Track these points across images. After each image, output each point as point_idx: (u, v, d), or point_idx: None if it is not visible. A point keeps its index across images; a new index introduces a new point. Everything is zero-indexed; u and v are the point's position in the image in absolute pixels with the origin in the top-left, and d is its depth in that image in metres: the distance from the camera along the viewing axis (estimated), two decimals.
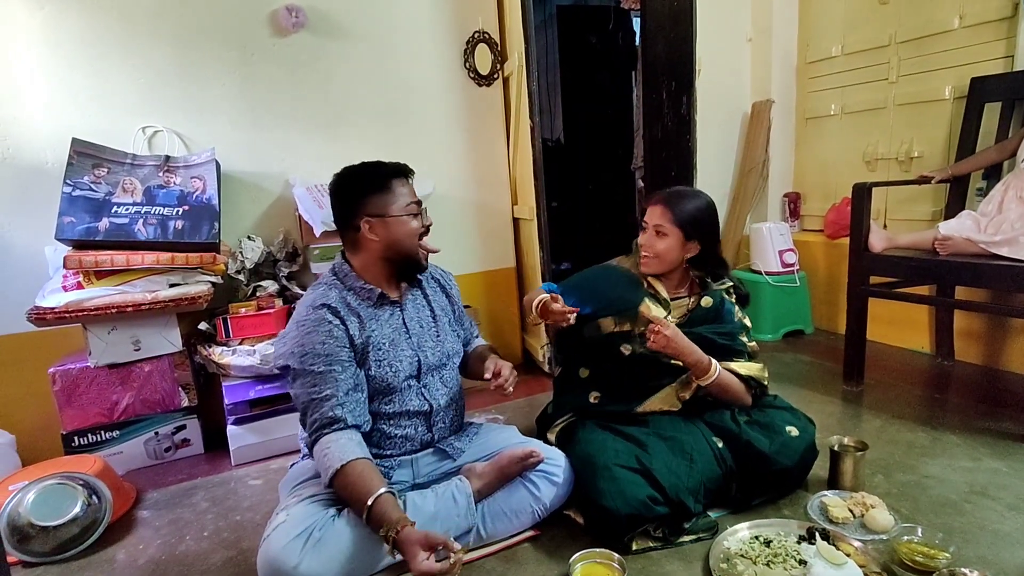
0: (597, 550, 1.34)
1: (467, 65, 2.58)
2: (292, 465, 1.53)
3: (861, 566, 1.28)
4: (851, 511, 1.47)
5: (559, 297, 1.51)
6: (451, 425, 1.56)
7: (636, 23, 3.74)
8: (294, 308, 2.19)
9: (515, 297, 2.87)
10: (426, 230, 1.46)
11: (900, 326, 2.63)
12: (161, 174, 2.03)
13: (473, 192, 2.70)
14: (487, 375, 1.46)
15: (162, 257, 1.91)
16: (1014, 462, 1.69)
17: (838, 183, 2.96)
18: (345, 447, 1.27)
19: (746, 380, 1.61)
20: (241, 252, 2.18)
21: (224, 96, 2.23)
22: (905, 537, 1.34)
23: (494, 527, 1.45)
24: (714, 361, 1.56)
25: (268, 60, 2.29)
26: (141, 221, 1.93)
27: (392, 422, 1.45)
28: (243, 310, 2.09)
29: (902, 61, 2.62)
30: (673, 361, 1.59)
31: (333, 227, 2.10)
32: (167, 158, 2.08)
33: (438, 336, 1.53)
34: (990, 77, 2.24)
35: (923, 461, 1.73)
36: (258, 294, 2.18)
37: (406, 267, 1.47)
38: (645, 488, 1.39)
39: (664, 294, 1.66)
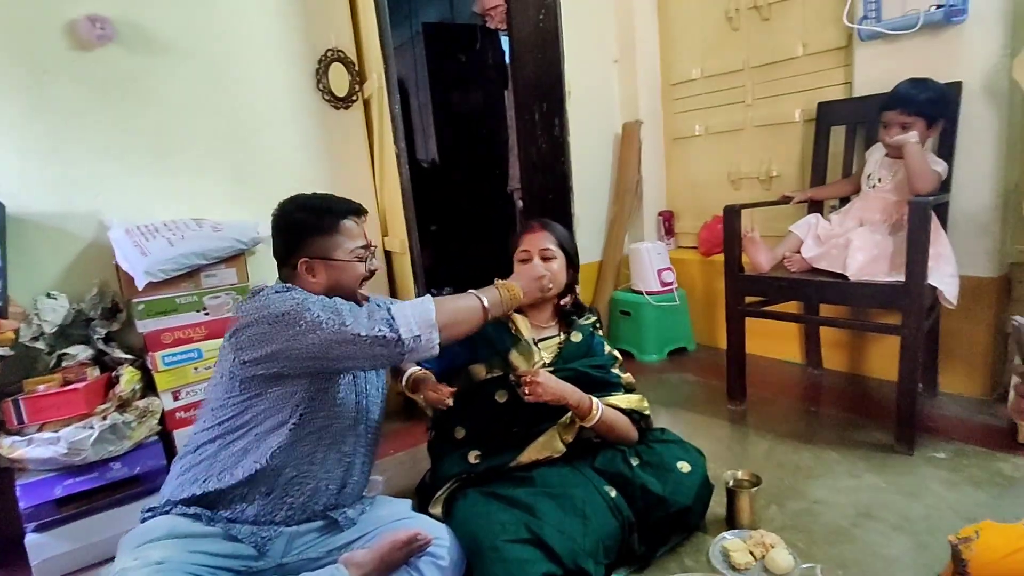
0: None
1: (320, 86, 2.33)
2: (143, 520, 1.22)
3: None
4: (751, 553, 1.42)
5: (429, 375, 1.44)
6: (353, 494, 1.38)
7: (505, 41, 3.68)
8: (115, 376, 1.84)
9: None
10: (370, 275, 1.34)
11: (773, 338, 2.72)
12: None
13: None
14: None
15: None
16: (889, 475, 1.74)
17: (707, 201, 3.05)
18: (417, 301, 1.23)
19: (628, 414, 1.55)
20: (38, 314, 1.76)
21: (8, 122, 1.81)
22: None
23: None
24: (595, 400, 1.47)
25: (68, 79, 1.89)
26: None
27: (315, 462, 1.27)
28: (42, 387, 1.67)
29: (756, 85, 2.74)
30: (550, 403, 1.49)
31: (159, 277, 1.77)
32: None
33: (376, 383, 1.41)
34: (834, 102, 2.37)
35: (810, 484, 1.73)
36: (64, 364, 1.77)
37: None
38: (540, 563, 1.23)
39: (526, 334, 1.57)
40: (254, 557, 1.21)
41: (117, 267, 1.85)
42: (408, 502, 1.47)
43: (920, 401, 1.95)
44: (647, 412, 1.59)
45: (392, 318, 1.16)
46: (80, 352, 1.80)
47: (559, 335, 1.61)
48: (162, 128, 2.05)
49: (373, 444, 1.43)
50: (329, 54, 2.32)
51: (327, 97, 2.34)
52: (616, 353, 1.65)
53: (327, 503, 1.31)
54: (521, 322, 1.57)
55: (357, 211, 1.32)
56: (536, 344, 1.57)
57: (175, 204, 2.07)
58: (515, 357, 1.53)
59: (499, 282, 1.35)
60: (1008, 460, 1.76)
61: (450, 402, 1.39)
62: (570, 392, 1.44)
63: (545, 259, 1.56)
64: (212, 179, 2.12)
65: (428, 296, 1.24)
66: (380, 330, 1.14)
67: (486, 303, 1.28)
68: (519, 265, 1.57)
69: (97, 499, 1.68)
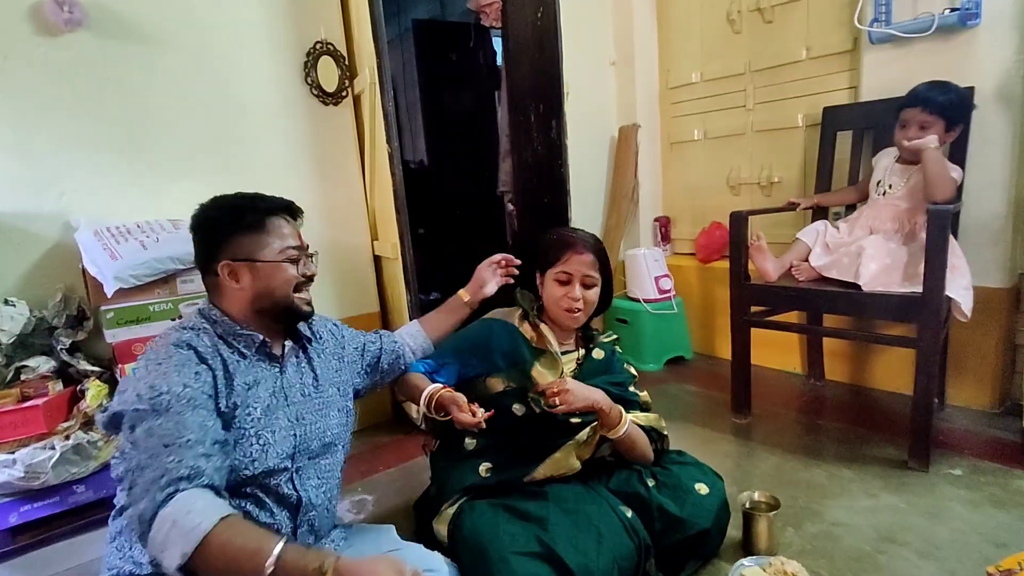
0: None
1: (308, 80, 2.20)
2: None
3: None
4: None
5: (458, 395, 1.29)
6: (317, 527, 1.20)
7: (497, 41, 3.58)
8: (80, 390, 1.69)
9: None
10: (307, 280, 1.18)
11: (774, 348, 2.65)
12: None
13: (324, 228, 2.30)
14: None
15: None
16: (908, 495, 1.66)
17: (705, 207, 2.98)
18: (216, 502, 0.93)
19: (648, 432, 1.46)
20: None
21: None
22: None
23: None
24: (623, 410, 1.39)
25: (32, 66, 1.74)
26: None
27: (253, 507, 1.09)
28: None
29: (757, 89, 2.68)
30: (573, 419, 1.41)
31: (130, 283, 1.63)
32: None
33: (321, 411, 1.21)
34: (840, 107, 2.32)
35: (826, 505, 1.65)
36: (23, 377, 1.62)
37: (282, 318, 1.17)
38: None
39: (555, 346, 1.46)
40: None
41: (84, 271, 1.70)
42: (392, 528, 1.34)
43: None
44: (665, 432, 1.51)
45: (154, 514, 0.88)
46: (41, 364, 1.65)
47: (577, 351, 1.52)
48: (136, 122, 1.91)
49: (328, 472, 1.22)
50: (318, 47, 2.20)
51: (315, 92, 2.22)
52: (633, 371, 1.57)
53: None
54: (547, 332, 1.47)
55: (289, 208, 1.18)
56: (558, 356, 1.47)
57: (149, 204, 1.93)
58: (539, 370, 1.43)
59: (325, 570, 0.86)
60: None
61: (484, 425, 1.26)
62: (601, 397, 1.35)
63: (586, 286, 1.43)
64: (190, 177, 1.98)
65: (221, 518, 0.89)
66: (138, 510, 0.91)
67: (277, 555, 0.86)
68: (554, 285, 1.43)
69: (58, 526, 1.55)
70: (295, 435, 1.14)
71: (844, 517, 1.59)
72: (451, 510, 1.38)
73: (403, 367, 1.44)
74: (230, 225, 1.11)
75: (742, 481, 1.76)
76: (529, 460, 1.42)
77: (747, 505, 1.50)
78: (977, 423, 2.06)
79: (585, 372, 1.48)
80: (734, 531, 1.50)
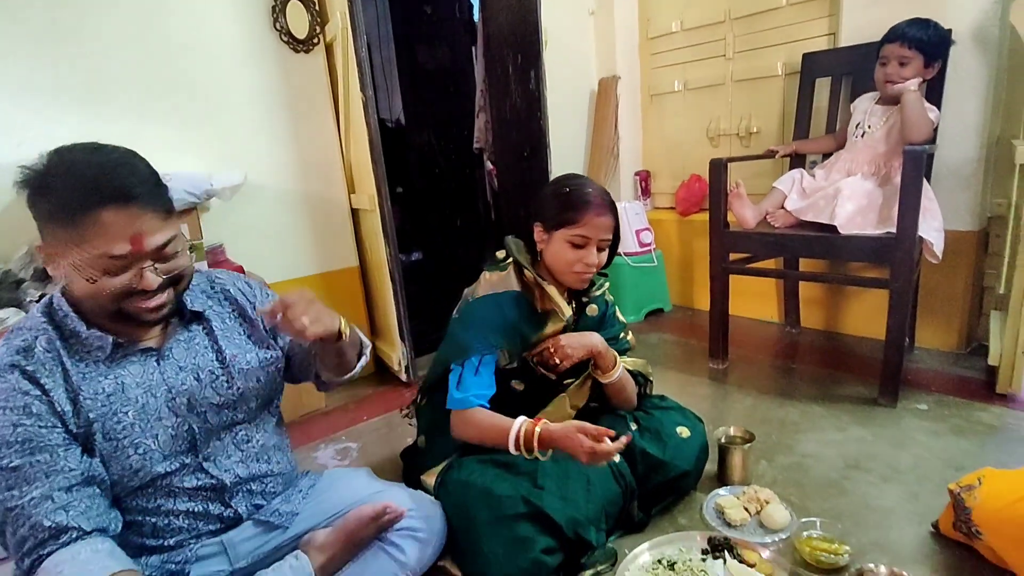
0: None
1: (278, 26, 2.12)
2: None
3: (769, 575, 1.17)
4: (746, 509, 1.39)
5: (600, 431, 1.14)
6: (267, 490, 1.14)
7: None
8: None
9: (360, 299, 2.49)
10: (144, 295, 0.92)
11: (752, 298, 2.69)
12: None
13: (299, 181, 2.26)
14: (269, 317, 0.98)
15: None
16: (875, 428, 1.72)
17: (685, 160, 2.97)
18: (87, 564, 0.84)
19: (635, 376, 1.48)
20: None
21: None
22: (805, 533, 1.26)
23: None
24: (616, 353, 1.41)
25: None
26: None
27: (164, 507, 1.01)
28: None
29: (737, 38, 2.65)
30: (567, 380, 1.42)
31: None
32: None
33: (228, 384, 1.07)
34: (819, 53, 2.31)
35: (798, 439, 1.71)
36: None
37: (126, 319, 0.95)
38: (538, 539, 1.16)
39: (566, 311, 1.39)
40: None
41: None
42: (365, 472, 1.33)
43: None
44: (651, 377, 1.54)
45: (34, 571, 0.84)
46: (11, 316, 1.61)
47: (570, 303, 1.43)
48: (95, 69, 1.83)
49: (251, 440, 1.11)
50: None
51: (285, 39, 2.14)
52: (622, 318, 1.56)
53: (226, 518, 1.07)
54: (555, 294, 1.36)
55: (120, 197, 0.86)
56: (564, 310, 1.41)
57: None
58: (545, 335, 1.38)
59: None
60: (987, 409, 1.77)
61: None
62: (598, 340, 1.37)
63: (600, 248, 1.33)
64: (154, 126, 1.92)
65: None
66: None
67: None
68: (566, 247, 1.30)
69: None
70: (190, 428, 1.01)
71: (814, 449, 1.65)
72: (440, 467, 1.37)
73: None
74: (43, 207, 0.87)
75: (718, 420, 1.80)
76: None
77: (723, 440, 1.55)
78: (944, 363, 2.13)
79: (580, 329, 1.43)
80: (710, 465, 1.54)
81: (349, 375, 1.25)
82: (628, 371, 1.46)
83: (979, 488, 1.15)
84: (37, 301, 1.66)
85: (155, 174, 0.94)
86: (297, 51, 2.20)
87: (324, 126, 2.32)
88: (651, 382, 1.55)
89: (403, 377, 2.34)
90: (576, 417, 1.44)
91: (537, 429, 1.18)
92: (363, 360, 1.27)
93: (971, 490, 1.16)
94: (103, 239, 0.86)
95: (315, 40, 2.22)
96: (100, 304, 0.92)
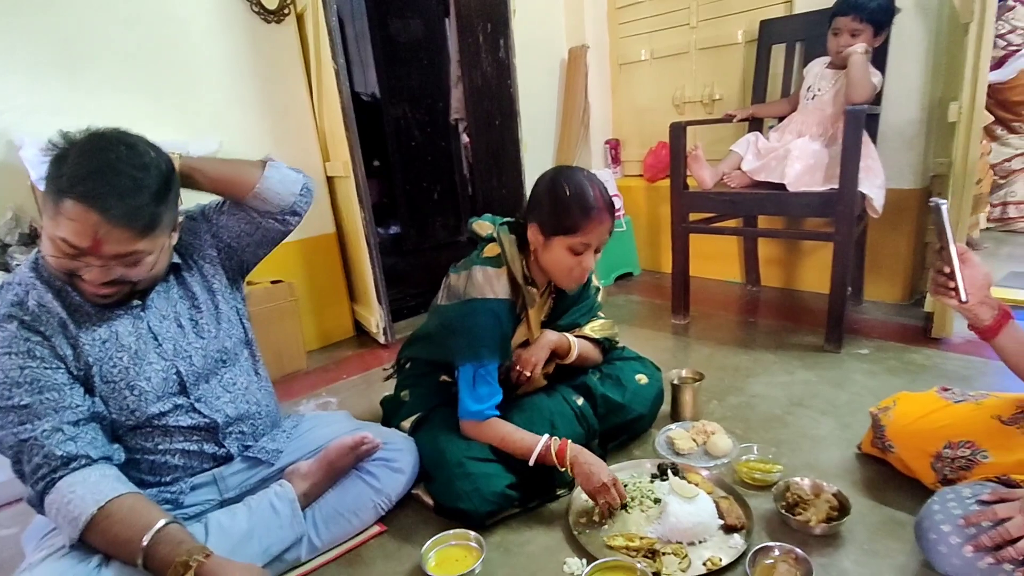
0: (451, 531, 1.22)
1: None
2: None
3: (709, 492, 1.30)
4: (694, 440, 1.52)
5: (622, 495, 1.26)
6: (256, 431, 1.25)
7: None
8: None
9: (338, 265, 2.57)
10: (86, 282, 0.98)
11: (715, 260, 2.82)
12: None
13: (273, 149, 2.29)
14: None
15: None
16: (820, 371, 1.86)
17: (653, 127, 3.07)
18: (98, 485, 0.95)
19: (600, 342, 1.57)
20: None
21: None
22: (743, 457, 1.40)
23: (329, 532, 1.23)
24: (572, 339, 1.48)
25: None
26: None
27: (162, 447, 1.11)
28: None
29: (700, 6, 2.73)
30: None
31: None
32: None
33: (208, 331, 1.17)
34: (775, 20, 2.40)
35: (748, 382, 1.84)
36: None
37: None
38: (503, 477, 1.29)
39: (540, 314, 1.45)
40: (177, 506, 1.13)
41: (34, 188, 1.71)
42: (345, 414, 1.46)
43: (848, 308, 2.07)
44: (617, 340, 1.62)
45: (40, 501, 0.96)
46: None
47: (548, 287, 1.46)
48: (70, 37, 1.86)
49: (237, 383, 1.21)
50: None
51: (256, 9, 2.18)
52: (598, 282, 1.61)
53: (219, 456, 1.18)
54: (537, 296, 1.40)
55: (106, 211, 0.92)
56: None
57: (92, 121, 1.90)
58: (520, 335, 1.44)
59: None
60: (920, 351, 1.92)
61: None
62: (555, 338, 1.44)
63: (598, 250, 1.31)
64: (130, 95, 1.96)
65: (101, 507, 0.93)
66: (26, 493, 0.99)
67: (144, 547, 0.91)
68: (565, 253, 1.27)
69: None
70: (178, 371, 1.11)
71: (762, 390, 1.78)
72: (417, 415, 1.46)
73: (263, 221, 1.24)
74: (51, 171, 0.95)
75: (676, 367, 1.92)
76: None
77: (675, 381, 1.67)
78: (889, 313, 2.28)
79: (559, 310, 1.50)
80: (665, 407, 1.66)
81: (288, 203, 1.26)
82: (595, 340, 1.54)
83: (893, 408, 1.28)
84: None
85: (156, 196, 0.99)
86: (268, 21, 2.24)
87: (297, 96, 2.37)
88: (616, 344, 1.63)
89: (381, 339, 2.44)
90: (551, 379, 1.52)
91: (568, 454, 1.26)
92: (274, 172, 1.23)
93: (887, 411, 1.29)
94: (65, 227, 0.93)
95: (286, 11, 2.26)
96: (56, 272, 1.00)
